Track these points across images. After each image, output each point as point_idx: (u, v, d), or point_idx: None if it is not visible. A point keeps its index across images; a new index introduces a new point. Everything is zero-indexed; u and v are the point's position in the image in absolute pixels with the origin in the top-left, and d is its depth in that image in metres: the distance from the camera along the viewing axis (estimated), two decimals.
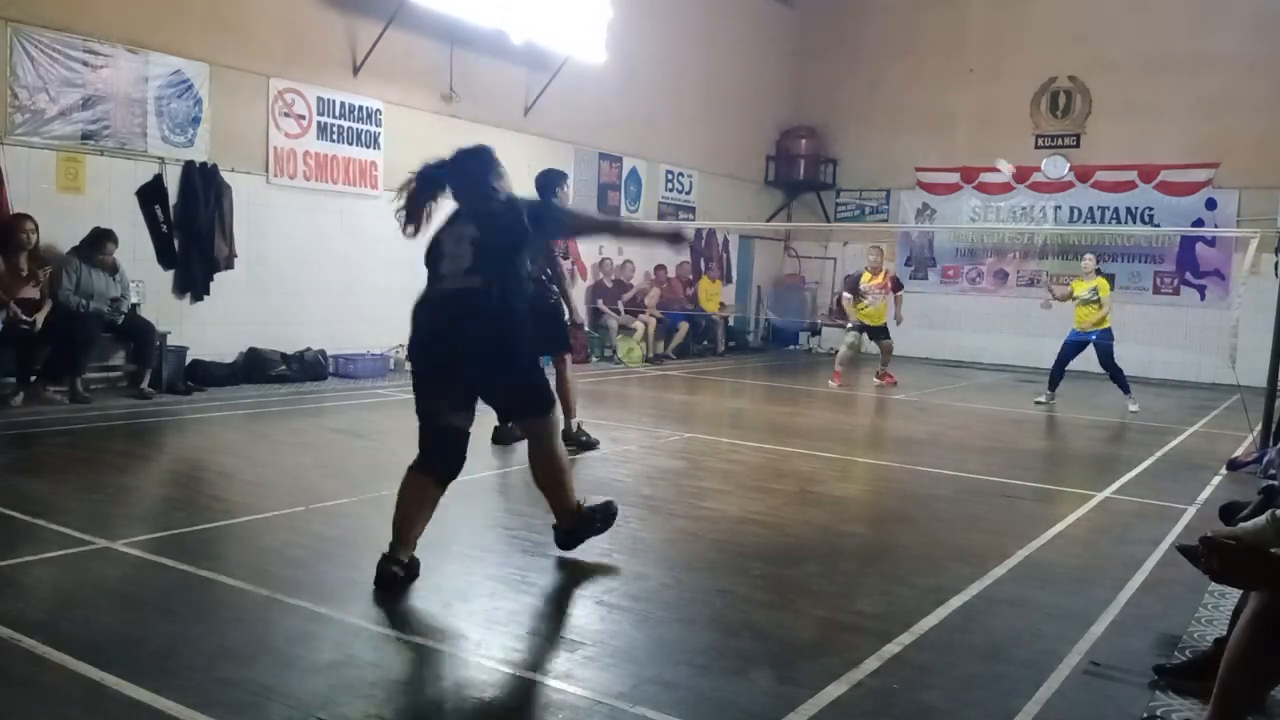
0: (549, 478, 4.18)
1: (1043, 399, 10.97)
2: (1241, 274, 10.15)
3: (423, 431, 4.01)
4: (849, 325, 12.34)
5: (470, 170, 4.13)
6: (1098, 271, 11.07)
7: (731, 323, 17.04)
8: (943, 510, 5.80)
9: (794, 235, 18.77)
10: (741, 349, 16.94)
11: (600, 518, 4.36)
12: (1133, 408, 10.56)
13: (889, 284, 12.30)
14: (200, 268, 9.32)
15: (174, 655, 3.09)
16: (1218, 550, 2.43)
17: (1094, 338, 10.80)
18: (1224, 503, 4.07)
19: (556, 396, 4.35)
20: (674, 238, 4.70)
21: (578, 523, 4.26)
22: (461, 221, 4.04)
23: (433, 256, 4.04)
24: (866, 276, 12.17)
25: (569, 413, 6.70)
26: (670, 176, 15.78)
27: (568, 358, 6.80)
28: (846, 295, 12.45)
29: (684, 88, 15.56)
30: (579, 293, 14.02)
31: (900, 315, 12.42)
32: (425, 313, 3.98)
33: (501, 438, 6.64)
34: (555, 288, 6.74)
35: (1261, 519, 2.60)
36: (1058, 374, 10.99)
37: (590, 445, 6.78)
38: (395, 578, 3.79)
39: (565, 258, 7.02)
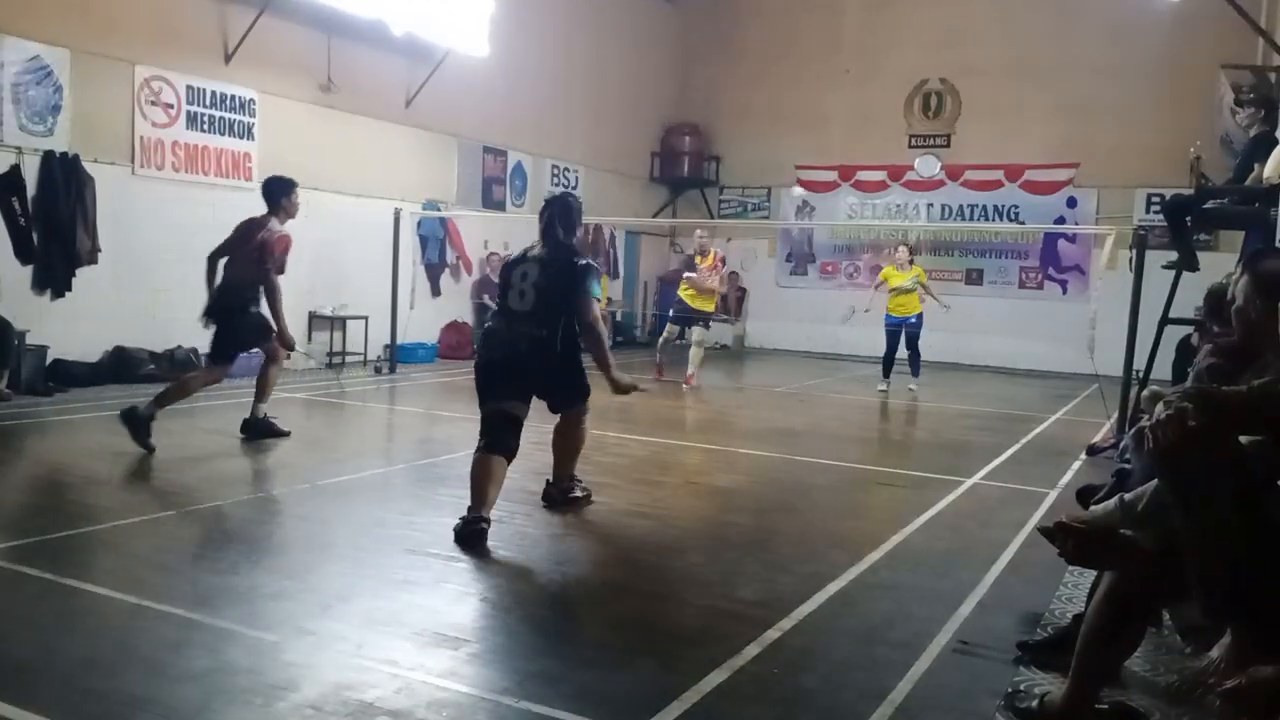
0: (570, 446, 5.25)
1: (884, 387, 11.75)
2: (1099, 269, 10.69)
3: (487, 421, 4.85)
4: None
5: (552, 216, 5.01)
6: (911, 261, 12.01)
7: (619, 318, 17.11)
8: (822, 499, 5.96)
9: (679, 231, 18.94)
10: (630, 344, 17.01)
11: (579, 500, 5.27)
12: (911, 386, 11.66)
13: (718, 264, 12.17)
14: (61, 263, 8.87)
15: (36, 667, 2.96)
16: (1072, 533, 2.56)
17: (912, 321, 11.76)
18: (1081, 486, 4.30)
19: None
20: (617, 385, 4.98)
21: (563, 492, 5.25)
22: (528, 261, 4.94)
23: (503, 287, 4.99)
24: (698, 259, 11.90)
25: (261, 400, 7.01)
26: (556, 171, 15.74)
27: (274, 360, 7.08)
28: (687, 275, 12.10)
29: (569, 83, 15.53)
30: (464, 287, 13.95)
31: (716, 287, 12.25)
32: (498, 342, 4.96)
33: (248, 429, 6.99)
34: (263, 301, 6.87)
35: (1112, 503, 2.76)
36: (890, 362, 11.87)
37: (279, 433, 6.99)
38: (483, 533, 4.49)
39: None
